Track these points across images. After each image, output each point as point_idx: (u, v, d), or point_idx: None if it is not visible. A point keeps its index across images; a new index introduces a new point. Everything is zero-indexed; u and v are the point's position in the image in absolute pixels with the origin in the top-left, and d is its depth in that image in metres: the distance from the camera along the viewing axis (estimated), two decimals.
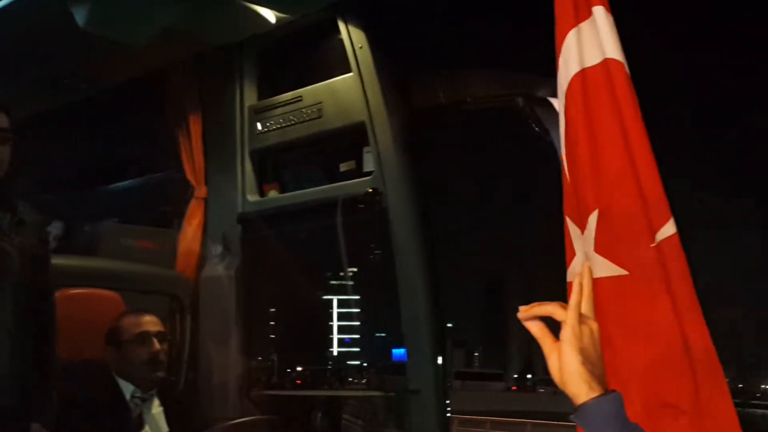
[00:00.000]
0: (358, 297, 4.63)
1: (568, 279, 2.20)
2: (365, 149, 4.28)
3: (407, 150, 4.13)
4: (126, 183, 5.83)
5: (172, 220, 5.00)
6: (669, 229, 2.10)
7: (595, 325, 1.68)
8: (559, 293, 1.92)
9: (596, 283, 2.05)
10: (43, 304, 3.13)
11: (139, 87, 5.09)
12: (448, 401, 3.95)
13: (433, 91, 4.08)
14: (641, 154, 2.18)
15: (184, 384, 4.55)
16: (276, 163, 4.91)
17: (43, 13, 4.16)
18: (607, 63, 2.29)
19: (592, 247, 2.12)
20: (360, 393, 4.36)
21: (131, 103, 5.45)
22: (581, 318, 1.67)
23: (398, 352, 4.50)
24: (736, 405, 2.19)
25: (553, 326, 1.70)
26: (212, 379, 4.64)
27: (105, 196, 6.06)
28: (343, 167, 4.44)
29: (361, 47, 4.21)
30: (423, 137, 4.33)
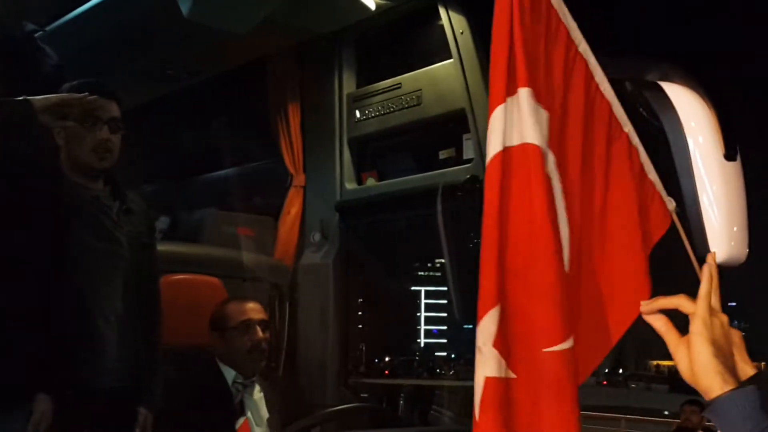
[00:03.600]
0: (453, 287, 4.56)
1: None
2: (465, 136, 4.21)
3: None
4: (225, 172, 5.91)
5: (272, 208, 5.04)
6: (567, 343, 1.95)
7: (724, 318, 1.60)
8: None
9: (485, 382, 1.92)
10: (150, 290, 3.18)
11: (239, 76, 5.14)
12: None
13: None
14: (545, 247, 2.01)
15: (283, 371, 4.59)
16: (374, 151, 4.89)
17: (148, 2, 4.23)
18: (525, 147, 2.12)
19: (491, 341, 1.90)
20: (467, 384, 4.30)
21: (230, 92, 5.51)
22: (711, 309, 1.59)
23: None
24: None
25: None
26: (310, 367, 4.66)
27: (204, 185, 6.16)
28: (443, 155, 4.38)
29: (462, 33, 4.13)
30: None
